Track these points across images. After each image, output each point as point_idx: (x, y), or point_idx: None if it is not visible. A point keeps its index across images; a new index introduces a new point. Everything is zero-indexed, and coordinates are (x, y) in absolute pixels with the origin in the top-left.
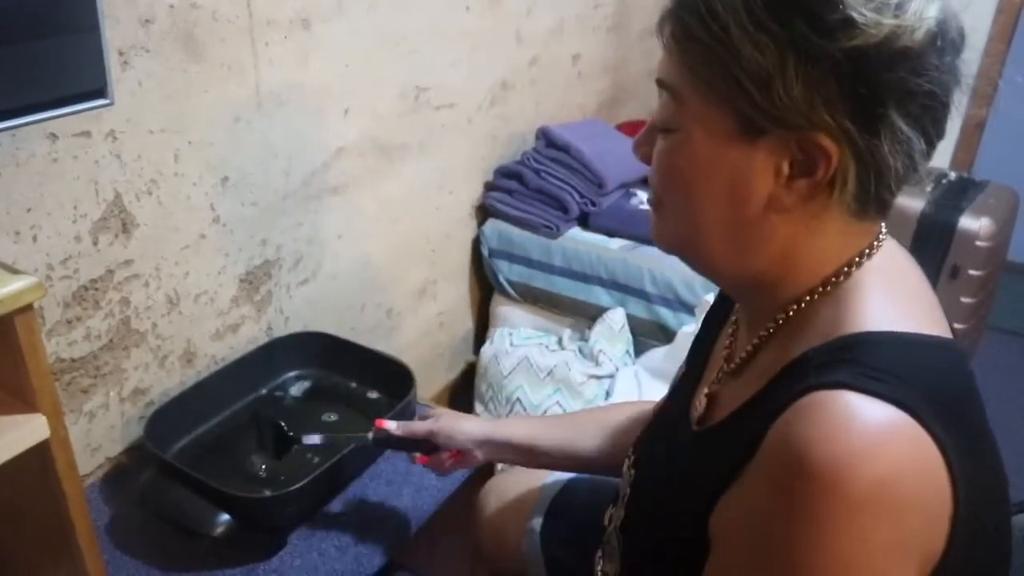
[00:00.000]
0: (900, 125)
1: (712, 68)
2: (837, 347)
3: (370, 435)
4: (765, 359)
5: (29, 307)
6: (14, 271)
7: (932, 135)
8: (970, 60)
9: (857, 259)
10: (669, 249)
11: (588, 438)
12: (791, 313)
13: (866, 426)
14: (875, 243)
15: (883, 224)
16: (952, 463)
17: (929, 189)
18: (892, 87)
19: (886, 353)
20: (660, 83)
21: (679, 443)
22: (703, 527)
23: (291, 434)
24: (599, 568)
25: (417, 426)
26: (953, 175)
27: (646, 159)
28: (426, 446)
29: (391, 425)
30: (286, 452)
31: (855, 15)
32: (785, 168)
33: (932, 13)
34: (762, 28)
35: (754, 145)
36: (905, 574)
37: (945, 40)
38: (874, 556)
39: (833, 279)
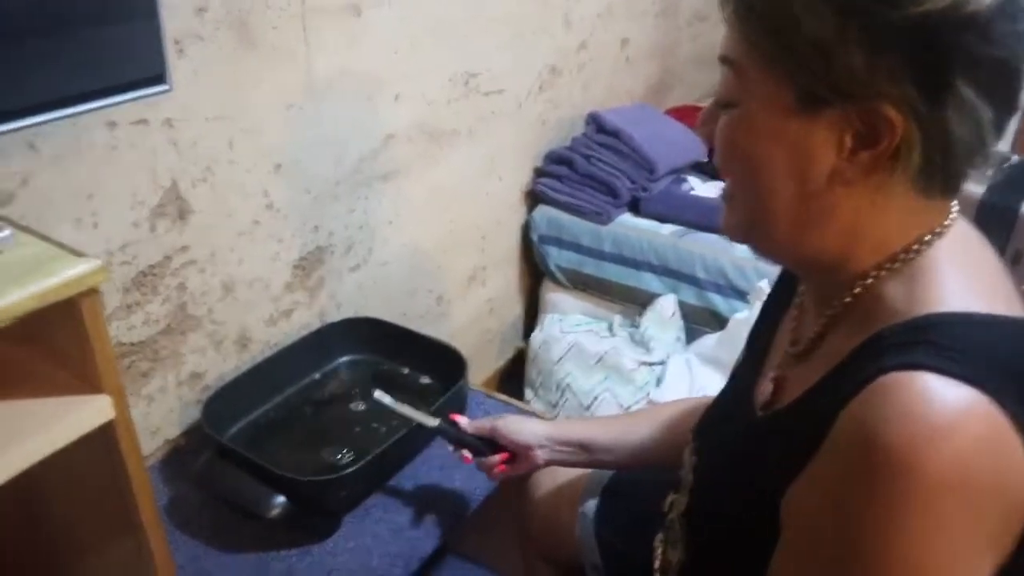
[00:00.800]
0: (967, 95)
1: (773, 40)
2: (912, 327)
3: (434, 422)
4: (834, 341)
5: (94, 290)
6: (79, 254)
7: (1003, 106)
8: None
9: (927, 237)
10: (739, 236)
11: (642, 431)
12: (858, 291)
13: (944, 408)
14: (946, 223)
15: (954, 204)
16: None
17: (990, 173)
18: (958, 55)
19: (962, 334)
20: (723, 59)
21: (744, 429)
22: (773, 513)
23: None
24: (659, 554)
25: (482, 422)
26: (1016, 158)
27: (708, 137)
28: (481, 447)
29: (463, 420)
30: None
31: None
32: (848, 141)
33: None
34: None
35: (816, 118)
36: (982, 559)
37: (1015, 6)
38: (951, 540)
39: (902, 256)
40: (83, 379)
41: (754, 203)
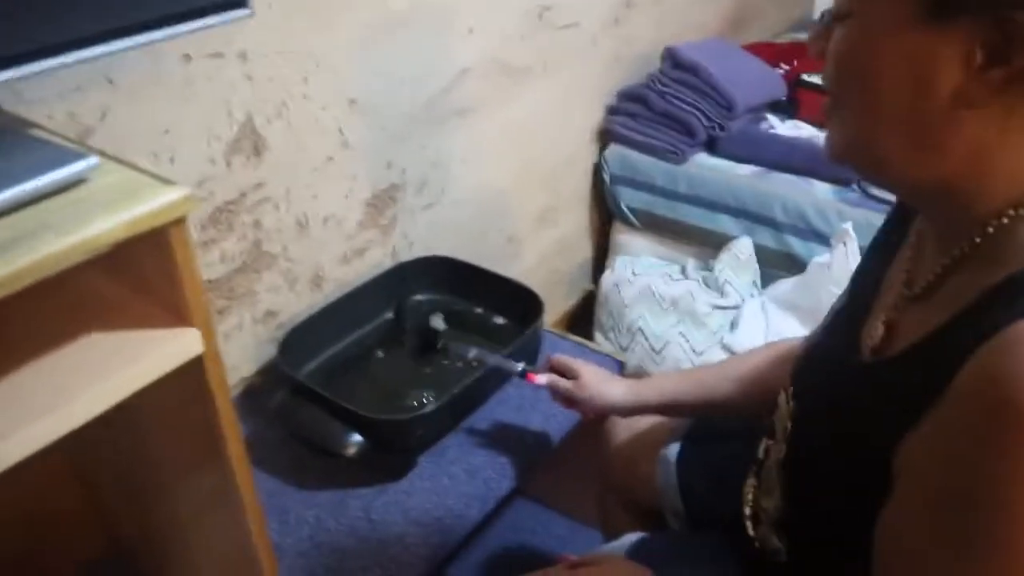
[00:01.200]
0: None
1: None
2: None
3: (519, 367)
4: (958, 283)
5: (183, 219)
6: (167, 182)
7: None
8: None
9: None
10: (843, 156)
11: (727, 387)
12: (991, 230)
13: None
14: None
15: None
16: None
17: None
18: None
19: None
20: None
21: (850, 375)
22: (883, 464)
23: (441, 334)
24: (749, 500)
25: (561, 383)
26: None
27: (820, 56)
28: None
29: (541, 380)
30: (432, 355)
31: None
32: (978, 56)
33: None
34: None
35: (942, 29)
36: None
37: None
38: None
39: None
40: (172, 312)
41: (865, 122)
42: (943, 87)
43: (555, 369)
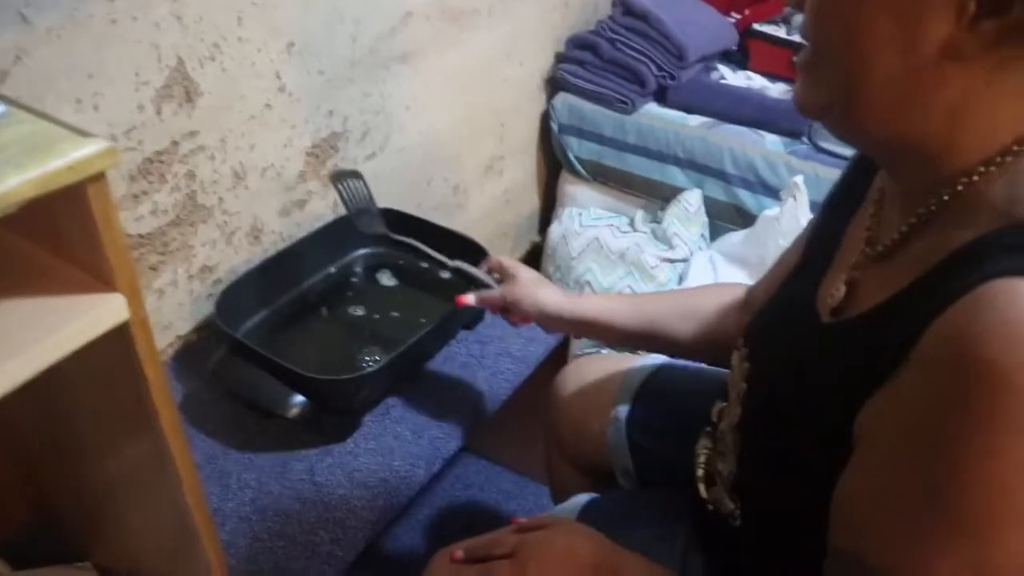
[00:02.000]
0: None
1: None
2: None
3: (451, 264)
4: (924, 243)
5: (102, 174)
6: (84, 134)
7: None
8: None
9: None
10: (817, 112)
11: (675, 320)
12: (960, 188)
13: None
14: None
15: None
16: None
17: None
18: None
19: None
20: None
21: (808, 337)
22: (843, 427)
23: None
24: (701, 463)
25: (491, 297)
26: None
27: (799, 5)
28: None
29: (470, 299)
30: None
31: None
32: (971, 5)
33: None
34: None
35: None
36: None
37: None
38: None
39: (1014, 148)
40: (94, 275)
41: (846, 74)
42: (932, 39)
43: (493, 270)
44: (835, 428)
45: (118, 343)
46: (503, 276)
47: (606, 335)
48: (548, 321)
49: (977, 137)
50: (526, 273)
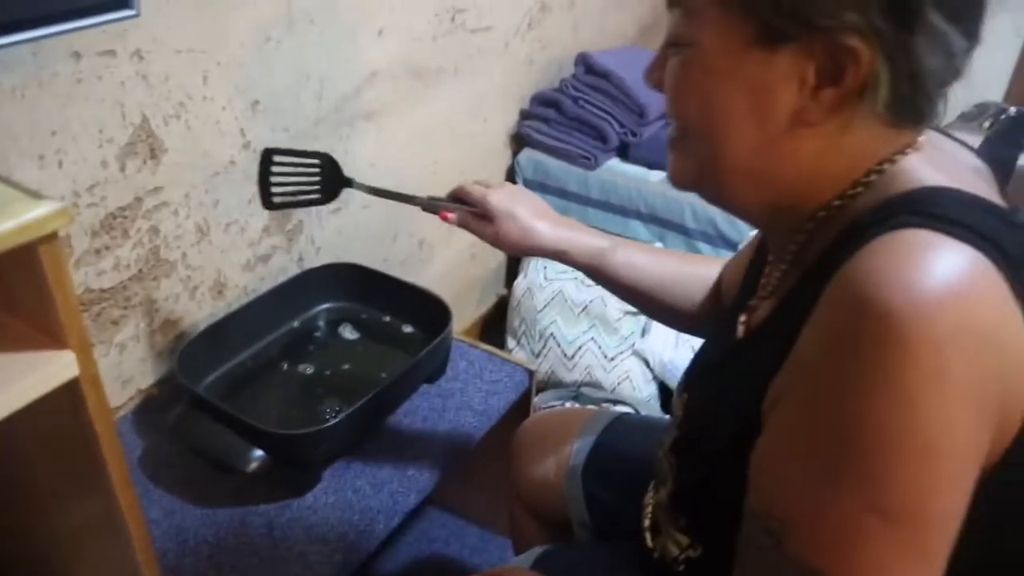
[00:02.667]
0: (937, 21)
1: None
2: (890, 203)
3: (425, 200)
4: (807, 254)
5: (54, 235)
6: (38, 196)
7: (973, 31)
8: None
9: (897, 156)
10: (689, 183)
11: (664, 288)
12: (821, 215)
13: (948, 261)
14: (920, 139)
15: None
16: None
17: (987, 125)
18: None
19: (951, 206)
20: (671, 1)
21: (726, 355)
22: (756, 420)
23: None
24: (649, 512)
25: (473, 227)
26: (1013, 110)
27: (659, 84)
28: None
29: (453, 217)
30: (334, 193)
31: None
32: (810, 77)
33: None
34: None
35: (775, 52)
36: (978, 425)
37: None
38: (949, 401)
39: (876, 167)
40: (45, 332)
41: (708, 148)
42: (781, 110)
43: (464, 201)
44: (753, 428)
45: (68, 400)
46: (482, 210)
47: (592, 277)
48: (533, 254)
49: (838, 178)
50: (504, 206)
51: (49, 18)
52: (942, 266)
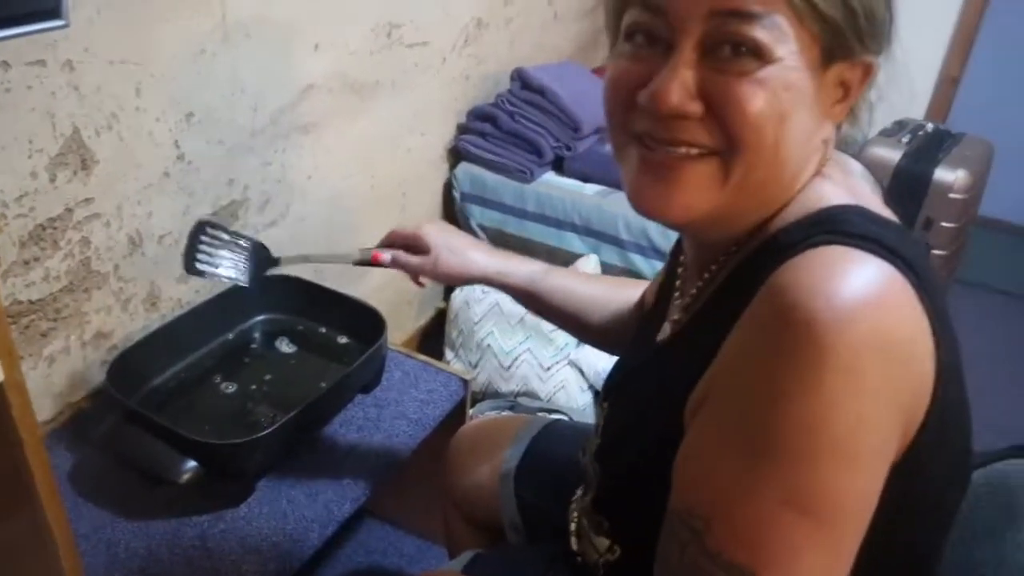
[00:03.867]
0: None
1: None
2: (807, 223)
3: (356, 254)
4: (722, 272)
5: None
6: None
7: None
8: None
9: (813, 181)
10: (711, 213)
11: (594, 309)
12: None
13: (866, 273)
14: (829, 160)
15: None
16: (936, 332)
17: (906, 140)
18: None
19: (858, 221)
20: (747, 14)
21: (644, 362)
22: (677, 425)
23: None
24: (574, 516)
25: (411, 262)
26: (930, 126)
27: (684, 106)
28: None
29: (386, 258)
30: (262, 272)
31: None
32: (838, 94)
33: None
34: None
35: (826, 73)
36: (889, 424)
37: None
38: (864, 400)
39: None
40: None
41: (767, 166)
42: (818, 125)
43: (396, 243)
44: (673, 432)
45: None
46: (416, 247)
47: (526, 302)
48: (472, 282)
49: (788, 193)
50: (440, 238)
51: None
52: (859, 278)
